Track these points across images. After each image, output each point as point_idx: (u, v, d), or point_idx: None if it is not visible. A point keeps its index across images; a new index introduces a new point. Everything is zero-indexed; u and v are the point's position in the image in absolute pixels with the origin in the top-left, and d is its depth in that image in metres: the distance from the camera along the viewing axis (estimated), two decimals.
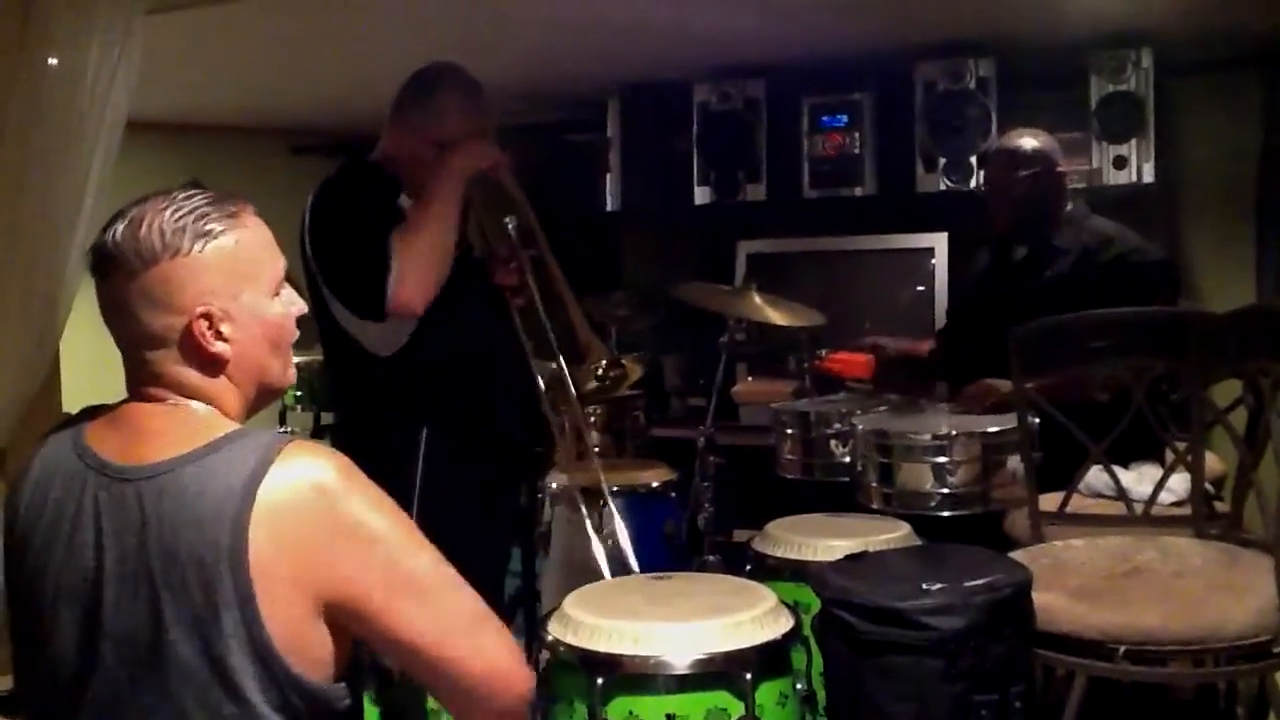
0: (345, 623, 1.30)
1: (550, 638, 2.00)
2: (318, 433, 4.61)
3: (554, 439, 3.12)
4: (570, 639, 1.97)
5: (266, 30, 3.52)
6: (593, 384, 2.67)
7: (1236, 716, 2.58)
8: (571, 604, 2.07)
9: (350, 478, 1.32)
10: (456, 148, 2.49)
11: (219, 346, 1.36)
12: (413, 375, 2.48)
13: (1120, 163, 3.99)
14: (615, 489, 2.97)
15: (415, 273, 2.37)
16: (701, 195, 4.47)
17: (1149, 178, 3.97)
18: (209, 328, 1.35)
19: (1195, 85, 4.20)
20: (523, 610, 3.04)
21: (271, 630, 1.24)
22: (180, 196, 1.38)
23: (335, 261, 2.45)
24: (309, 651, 1.28)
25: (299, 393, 4.60)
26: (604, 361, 2.66)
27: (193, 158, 5.08)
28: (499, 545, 2.74)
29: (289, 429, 4.57)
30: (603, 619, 1.98)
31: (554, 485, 3.04)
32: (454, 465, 2.47)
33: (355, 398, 2.64)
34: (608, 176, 4.65)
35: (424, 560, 1.34)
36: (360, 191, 2.52)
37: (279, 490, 1.26)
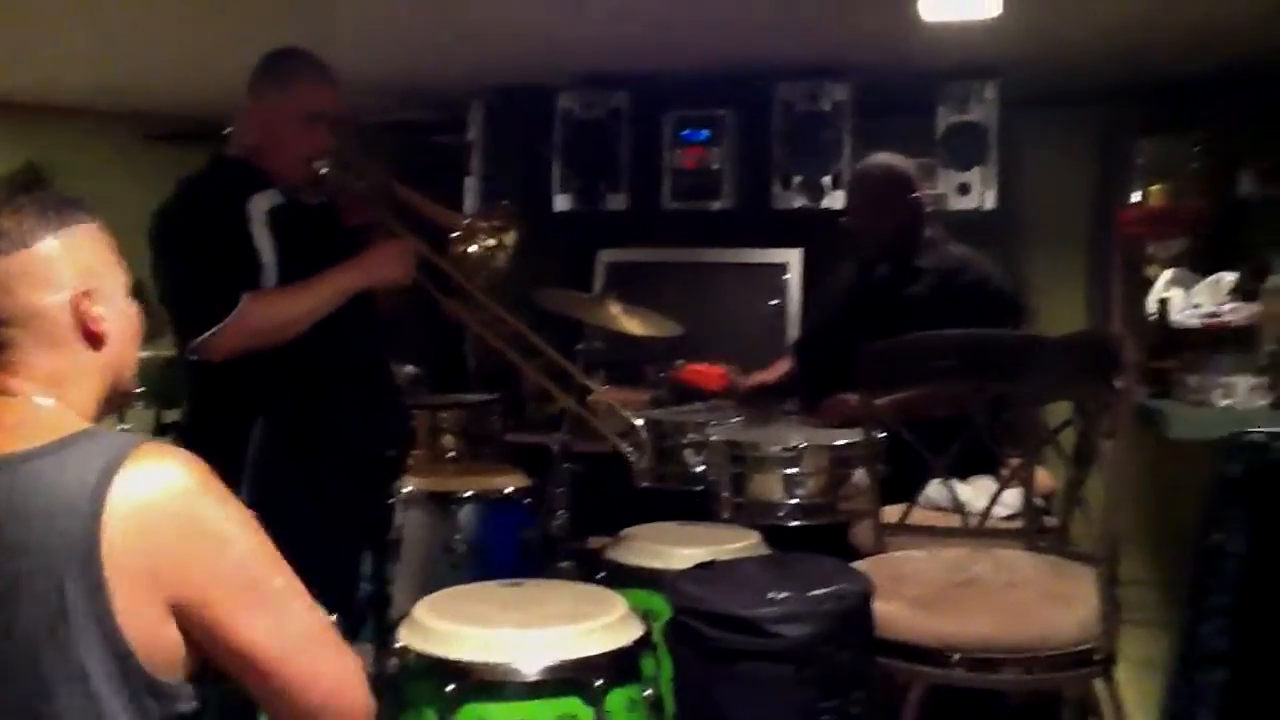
0: (190, 628, 1.27)
1: (401, 644, 1.98)
2: (160, 431, 4.45)
3: (409, 442, 3.09)
4: (420, 645, 1.96)
5: (117, 8, 3.39)
6: (487, 243, 2.62)
7: None
8: (423, 610, 2.05)
9: (205, 481, 1.29)
10: (378, 251, 2.50)
11: (103, 325, 1.36)
12: (247, 373, 2.43)
13: (964, 189, 4.17)
14: (469, 494, 2.96)
15: (241, 340, 2.36)
16: (562, 202, 4.49)
17: (991, 204, 4.16)
18: (90, 305, 1.35)
19: (1037, 119, 4.42)
20: (372, 616, 2.98)
21: (124, 626, 1.21)
22: (39, 194, 1.36)
23: (174, 279, 2.42)
24: (161, 650, 1.25)
25: (140, 389, 4.43)
26: (473, 220, 2.63)
27: (36, 141, 4.84)
28: (347, 549, 2.69)
29: (127, 426, 4.40)
30: (454, 625, 1.98)
31: (407, 490, 3.00)
32: (290, 467, 2.41)
33: (191, 394, 2.58)
34: (467, 180, 4.62)
35: (274, 574, 1.32)
36: (213, 214, 2.45)
37: (131, 488, 1.23)
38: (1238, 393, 2.45)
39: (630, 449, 2.72)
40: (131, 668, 1.22)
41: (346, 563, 2.69)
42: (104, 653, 1.20)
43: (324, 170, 2.55)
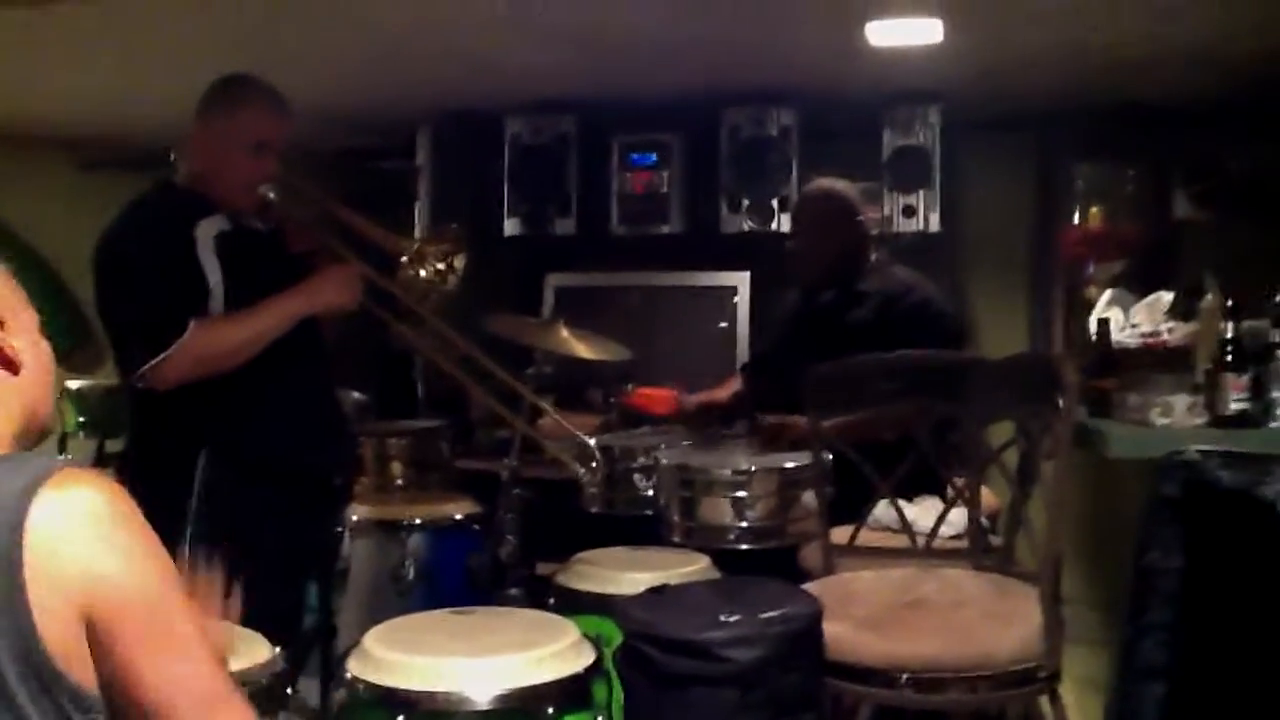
0: (95, 655, 1.25)
1: (349, 675, 1.96)
2: (100, 461, 4.37)
3: (356, 470, 3.07)
4: (370, 676, 1.94)
5: (52, 32, 3.35)
6: (436, 267, 2.61)
7: None
8: (372, 640, 2.03)
9: (124, 508, 1.27)
10: (324, 276, 2.49)
11: (18, 353, 1.35)
12: (192, 401, 2.40)
13: (909, 212, 4.23)
14: (418, 522, 2.94)
15: (187, 368, 2.34)
16: (511, 227, 4.49)
17: (935, 227, 4.23)
18: (4, 334, 1.34)
19: (979, 144, 4.50)
20: (318, 648, 2.95)
21: (45, 638, 1.19)
22: None
23: (120, 305, 2.40)
24: (82, 662, 1.23)
25: (82, 419, 4.36)
26: (421, 244, 2.63)
27: None
28: (293, 579, 2.67)
29: (68, 456, 4.32)
30: (404, 655, 1.96)
31: (354, 518, 2.97)
32: (236, 496, 2.39)
33: (134, 424, 2.55)
34: (416, 205, 4.61)
35: (181, 619, 1.29)
36: (159, 240, 2.43)
37: (52, 509, 1.22)
38: (1175, 412, 2.49)
39: (583, 471, 2.72)
40: (54, 678, 1.20)
41: (292, 593, 2.66)
42: (24, 663, 1.18)
43: (271, 196, 2.54)
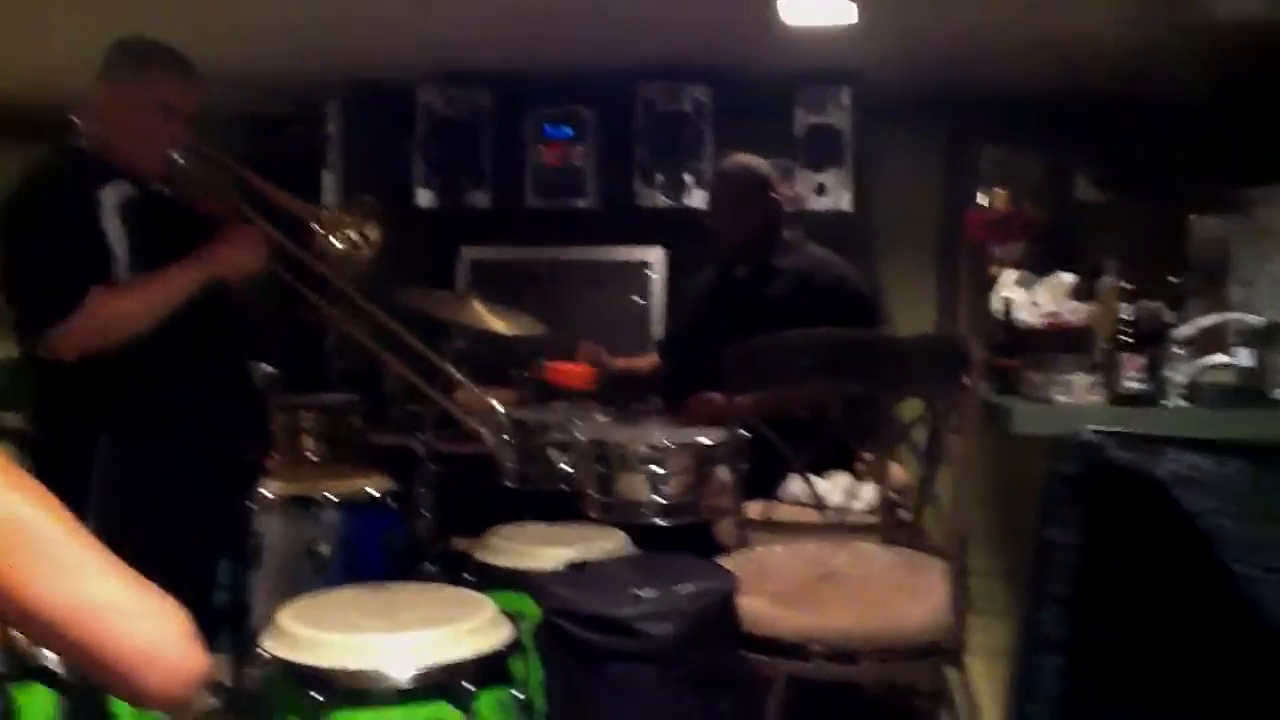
0: None
1: (264, 653, 1.94)
2: None
3: (269, 445, 3.02)
4: (285, 654, 1.92)
5: None
6: (351, 237, 2.59)
7: (916, 711, 2.82)
8: (286, 617, 2.02)
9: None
10: (228, 238, 2.43)
11: None
12: (97, 373, 2.34)
13: (821, 190, 4.29)
14: (333, 498, 2.91)
15: (91, 335, 2.28)
16: (424, 198, 4.44)
17: (847, 206, 4.29)
18: None
19: (891, 125, 4.57)
20: (230, 626, 2.91)
21: None
22: None
23: (19, 273, 2.33)
24: None
25: None
26: (334, 213, 2.60)
27: None
28: (201, 557, 2.62)
29: None
30: (319, 632, 1.95)
31: (267, 494, 2.93)
32: (143, 471, 2.34)
33: (38, 397, 2.48)
34: (325, 175, 4.53)
35: (69, 535, 1.27)
36: (62, 206, 2.35)
37: None
38: (1075, 390, 2.58)
39: (499, 445, 2.72)
40: None
41: (201, 570, 2.61)
42: None
43: (179, 161, 2.48)
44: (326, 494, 2.89)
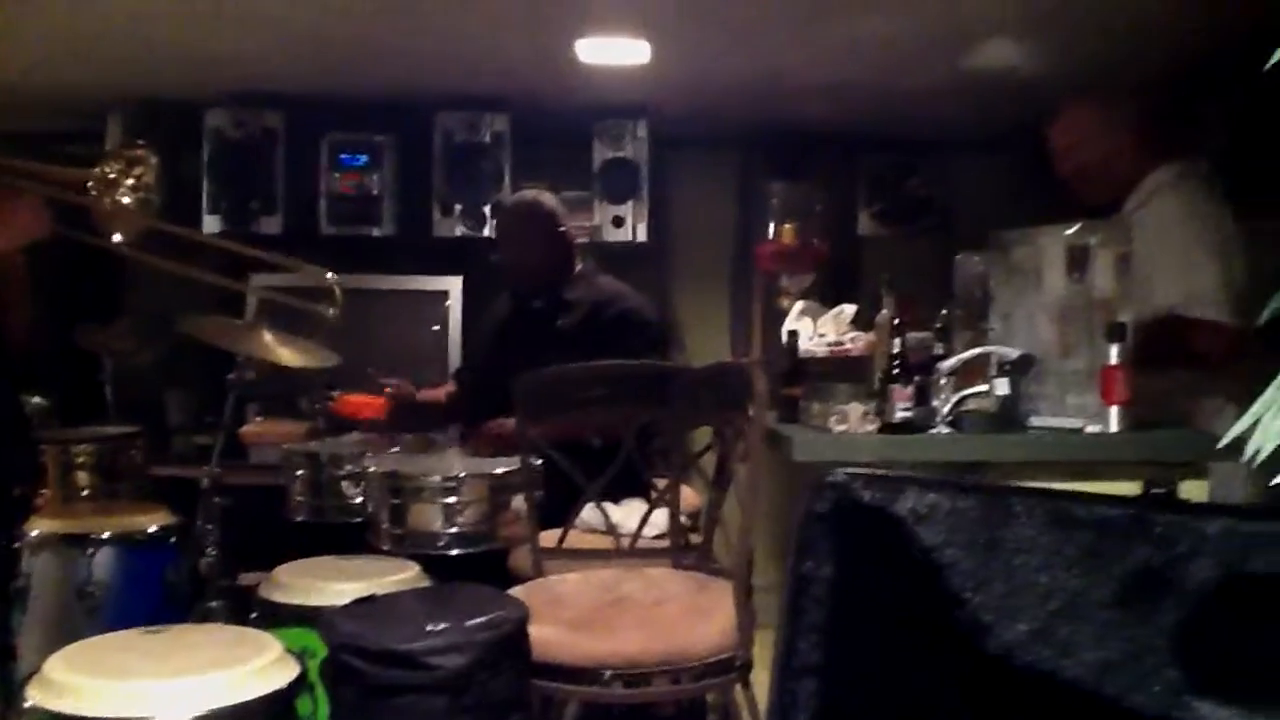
0: None
1: (30, 704, 1.83)
2: None
3: (37, 480, 2.86)
4: (53, 704, 1.82)
5: None
6: (130, 187, 2.49)
7: None
8: (55, 664, 1.91)
9: None
10: (5, 208, 2.30)
11: None
12: None
13: (618, 222, 4.38)
14: (106, 535, 2.77)
15: None
16: (211, 224, 4.30)
17: (643, 237, 4.40)
18: None
19: (686, 160, 4.71)
20: None
21: None
22: None
23: None
24: None
25: None
26: (102, 165, 2.50)
27: None
28: None
29: None
30: (89, 679, 1.85)
31: (35, 532, 2.77)
32: None
33: None
34: None
35: None
36: None
37: None
38: (850, 419, 2.69)
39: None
40: None
41: None
42: None
43: None
44: (99, 531, 2.75)
